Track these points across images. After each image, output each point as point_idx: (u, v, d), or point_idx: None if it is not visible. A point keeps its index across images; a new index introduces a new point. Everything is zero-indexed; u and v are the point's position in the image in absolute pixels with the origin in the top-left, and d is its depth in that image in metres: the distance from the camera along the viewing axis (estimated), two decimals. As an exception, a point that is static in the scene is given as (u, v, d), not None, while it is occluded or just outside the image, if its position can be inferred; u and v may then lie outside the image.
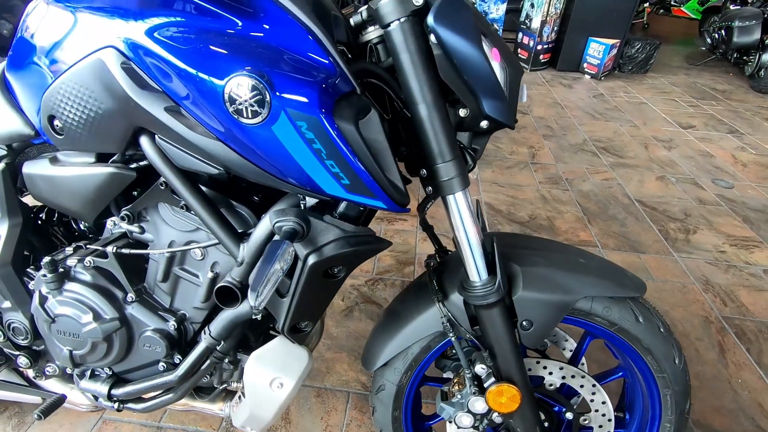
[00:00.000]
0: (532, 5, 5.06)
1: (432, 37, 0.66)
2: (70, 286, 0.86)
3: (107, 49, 0.64)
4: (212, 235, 0.79)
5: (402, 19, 0.66)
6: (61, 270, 0.86)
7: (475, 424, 0.90)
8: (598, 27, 4.95)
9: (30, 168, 0.85)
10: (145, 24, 0.61)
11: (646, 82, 5.10)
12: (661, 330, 0.90)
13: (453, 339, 0.86)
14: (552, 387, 0.96)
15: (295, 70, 0.59)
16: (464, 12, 0.66)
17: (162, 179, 0.77)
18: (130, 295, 0.87)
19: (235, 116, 0.59)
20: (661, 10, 7.73)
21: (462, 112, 0.74)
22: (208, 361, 0.89)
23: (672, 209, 2.65)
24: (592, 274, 0.87)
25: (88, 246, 0.88)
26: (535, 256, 0.87)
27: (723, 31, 4.91)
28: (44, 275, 0.85)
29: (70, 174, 0.80)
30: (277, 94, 0.58)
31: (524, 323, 0.85)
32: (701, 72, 5.63)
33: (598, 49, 4.94)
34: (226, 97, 0.58)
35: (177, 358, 0.90)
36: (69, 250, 0.88)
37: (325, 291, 0.77)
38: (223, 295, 0.73)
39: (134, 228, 0.84)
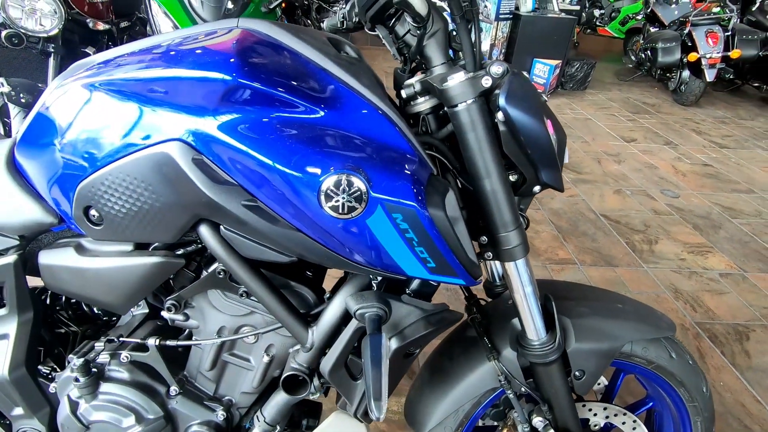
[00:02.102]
0: (481, 29, 5.32)
1: (499, 115, 0.68)
2: (105, 387, 0.77)
3: (174, 143, 0.60)
4: (269, 319, 0.75)
5: (470, 101, 0.67)
6: (94, 370, 0.77)
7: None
8: (541, 49, 5.30)
9: (49, 258, 0.76)
10: (222, 118, 0.58)
11: (587, 99, 5.52)
12: (690, 363, 0.97)
13: (511, 395, 0.88)
14: (597, 427, 1.00)
15: (387, 161, 0.59)
16: (529, 90, 0.69)
17: (219, 267, 0.72)
18: (174, 388, 0.80)
19: (329, 212, 0.57)
20: (588, 30, 8.42)
21: (512, 178, 0.76)
22: None
23: (633, 221, 2.87)
24: (631, 319, 0.92)
25: (122, 339, 0.80)
26: (580, 306, 0.91)
27: (649, 52, 5.43)
28: (76, 379, 0.76)
29: (106, 265, 0.73)
30: (375, 188, 0.57)
31: (577, 373, 0.88)
32: (631, 87, 6.18)
33: (543, 69, 5.28)
34: (322, 194, 0.56)
35: None
36: (99, 345, 0.80)
37: (400, 370, 0.76)
38: (291, 384, 0.70)
39: (178, 316, 0.78)
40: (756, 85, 5.55)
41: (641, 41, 6.22)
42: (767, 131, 4.68)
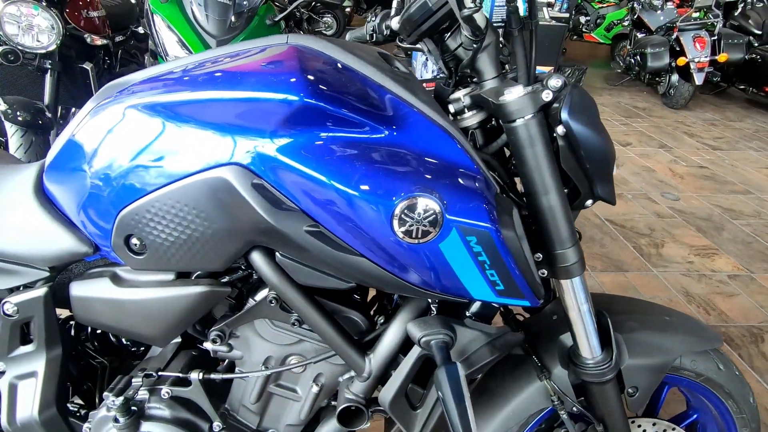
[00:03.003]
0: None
1: (559, 129, 0.66)
2: (146, 427, 0.73)
3: (231, 167, 0.56)
4: (319, 347, 0.72)
5: (529, 116, 0.65)
6: (133, 409, 0.72)
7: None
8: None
9: (82, 290, 0.72)
10: (285, 140, 0.55)
11: (580, 104, 5.58)
12: (737, 374, 0.95)
13: (564, 416, 0.85)
14: (646, 443, 0.98)
15: (457, 182, 0.56)
16: (589, 102, 0.67)
17: (271, 295, 0.68)
18: (217, 424, 0.76)
19: (402, 237, 0.54)
20: (575, 36, 8.58)
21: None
22: None
23: (638, 225, 2.88)
24: (680, 331, 0.90)
25: (161, 373, 0.76)
26: (629, 320, 0.89)
27: (638, 57, 5.53)
28: (116, 420, 0.71)
29: (147, 296, 0.69)
30: (450, 211, 0.54)
31: (630, 390, 0.86)
32: (621, 92, 6.28)
33: (536, 76, 5.34)
34: (396, 218, 0.53)
35: None
36: (136, 380, 0.75)
37: None
38: (348, 416, 0.66)
39: (222, 347, 0.74)
40: (742, 87, 5.69)
41: (629, 47, 6.34)
42: (756, 132, 4.78)
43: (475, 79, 0.81)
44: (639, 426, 0.96)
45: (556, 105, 0.66)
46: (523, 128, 0.66)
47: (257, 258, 0.63)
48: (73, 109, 2.60)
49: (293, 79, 0.55)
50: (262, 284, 0.71)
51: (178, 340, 0.83)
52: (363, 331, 0.73)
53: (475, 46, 0.65)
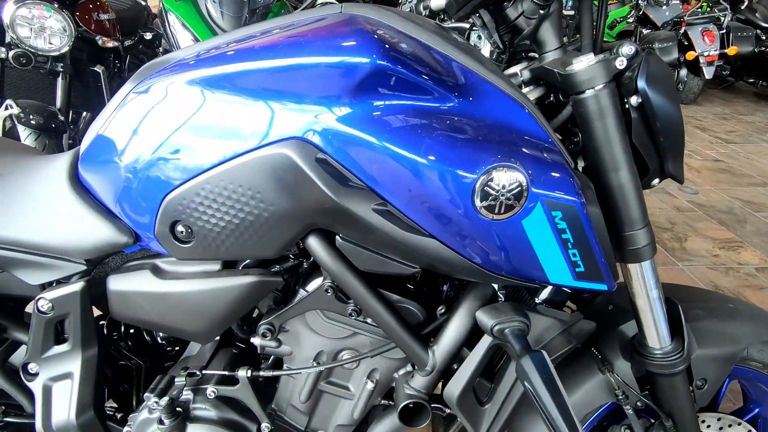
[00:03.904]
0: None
1: (633, 100, 0.62)
2: (192, 429, 0.68)
3: (292, 141, 0.52)
4: (375, 340, 0.67)
5: (600, 86, 0.61)
6: (178, 410, 0.68)
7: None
8: (541, 54, 5.32)
9: (121, 283, 0.67)
10: (354, 108, 0.50)
11: (588, 101, 5.55)
12: (805, 364, 0.90)
13: (630, 411, 0.80)
14: (710, 439, 0.93)
15: (538, 154, 0.52)
16: (666, 71, 0.63)
17: (327, 283, 0.63)
18: (265, 425, 0.71)
19: (482, 213, 0.50)
20: (578, 35, 8.58)
21: None
22: None
23: (658, 219, 2.83)
24: (746, 320, 0.85)
25: (204, 372, 0.71)
26: (693, 309, 0.84)
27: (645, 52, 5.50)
28: (161, 422, 0.66)
29: (192, 289, 0.64)
30: (536, 183, 0.49)
31: (699, 383, 0.81)
32: (628, 88, 6.24)
33: (543, 74, 5.31)
34: (477, 192, 0.49)
35: None
36: (180, 380, 0.70)
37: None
38: (410, 414, 0.61)
39: (271, 343, 0.69)
40: (751, 81, 5.64)
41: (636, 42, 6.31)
42: (768, 125, 4.74)
43: (530, 54, 0.77)
44: (703, 421, 0.91)
45: (628, 74, 0.61)
46: (592, 99, 0.61)
47: (315, 243, 0.58)
48: (84, 113, 2.57)
49: (363, 41, 0.51)
50: (314, 274, 0.67)
51: (217, 338, 0.78)
52: (421, 322, 0.68)
53: (541, 12, 0.61)
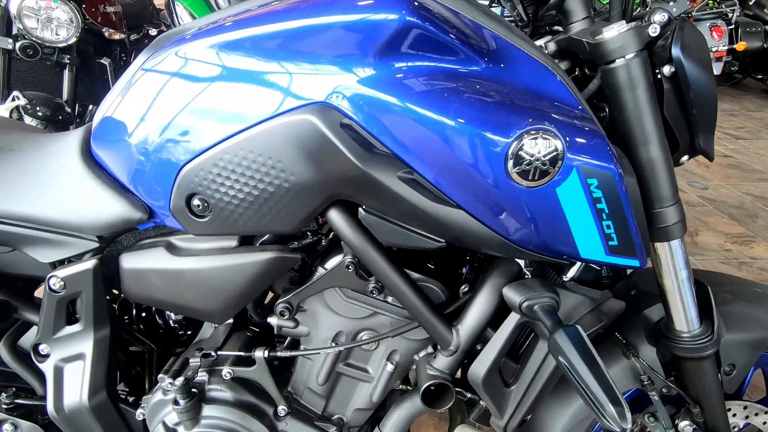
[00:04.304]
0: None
1: (666, 70, 0.60)
2: (208, 410, 0.66)
3: (315, 106, 0.50)
4: (395, 320, 0.65)
5: (632, 54, 0.59)
6: (194, 391, 0.66)
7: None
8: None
9: (135, 261, 0.66)
10: (381, 69, 0.48)
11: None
12: (834, 351, 0.87)
13: (655, 397, 0.77)
14: (736, 429, 0.90)
15: (573, 120, 0.50)
16: (701, 40, 0.60)
17: (347, 259, 0.61)
18: (282, 408, 0.69)
19: (514, 178, 0.48)
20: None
21: None
22: None
23: (668, 214, 2.79)
24: (775, 304, 0.83)
25: (219, 353, 0.69)
26: (721, 293, 0.82)
27: (652, 49, 5.47)
28: (176, 402, 0.64)
29: (208, 265, 0.62)
30: (571, 148, 0.47)
31: (727, 368, 0.78)
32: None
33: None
34: (511, 157, 0.47)
35: None
36: (194, 361, 0.68)
37: (558, 373, 0.65)
38: (432, 396, 0.59)
39: (289, 323, 0.67)
40: (759, 77, 5.58)
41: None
42: (778, 122, 4.69)
43: (553, 28, 0.75)
44: (729, 409, 0.88)
45: (661, 42, 0.59)
46: (623, 69, 0.59)
47: (336, 216, 0.56)
48: (91, 106, 2.56)
49: None
50: (333, 251, 0.65)
51: (230, 321, 0.77)
52: (443, 302, 0.66)
53: None
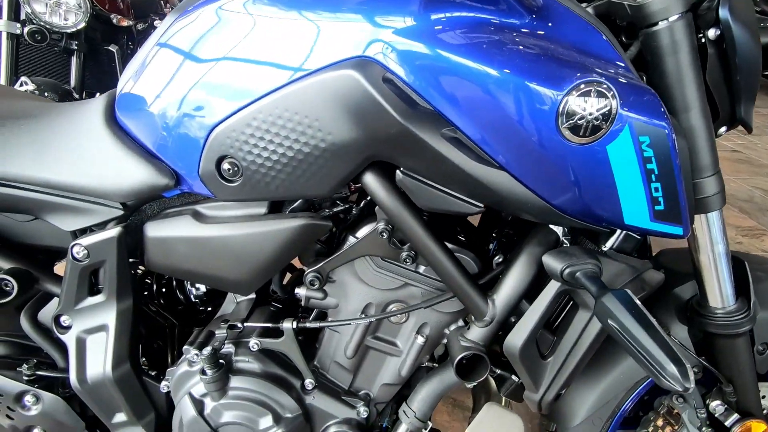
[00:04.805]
0: None
1: (711, 33, 0.58)
2: (235, 381, 0.64)
3: (356, 61, 0.48)
4: (426, 291, 0.63)
5: (675, 16, 0.57)
6: (221, 362, 0.64)
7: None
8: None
9: (160, 230, 0.64)
10: (426, 21, 0.47)
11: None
12: None
13: (687, 376, 0.76)
14: (766, 411, 0.88)
15: (621, 76, 0.48)
16: (747, 1, 0.58)
17: (381, 226, 0.60)
18: (309, 381, 0.68)
19: (565, 134, 0.46)
20: None
21: None
22: None
23: (678, 208, 2.78)
24: (808, 283, 0.81)
25: (246, 324, 0.67)
26: (755, 271, 0.80)
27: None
28: (203, 372, 0.63)
29: (236, 233, 0.61)
30: (624, 104, 0.46)
31: (760, 347, 0.77)
32: (640, 81, 6.17)
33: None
34: (562, 112, 0.45)
35: None
36: (220, 332, 0.67)
37: (596, 345, 0.64)
38: (464, 369, 0.58)
39: (317, 294, 0.65)
40: (765, 74, 5.55)
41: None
42: (786, 118, 4.66)
43: None
44: (759, 391, 0.87)
45: (707, 4, 0.57)
46: (666, 32, 0.57)
47: (372, 179, 0.55)
48: (98, 93, 2.54)
49: None
50: (365, 220, 0.63)
51: (252, 296, 0.75)
52: (477, 273, 0.65)
53: None
